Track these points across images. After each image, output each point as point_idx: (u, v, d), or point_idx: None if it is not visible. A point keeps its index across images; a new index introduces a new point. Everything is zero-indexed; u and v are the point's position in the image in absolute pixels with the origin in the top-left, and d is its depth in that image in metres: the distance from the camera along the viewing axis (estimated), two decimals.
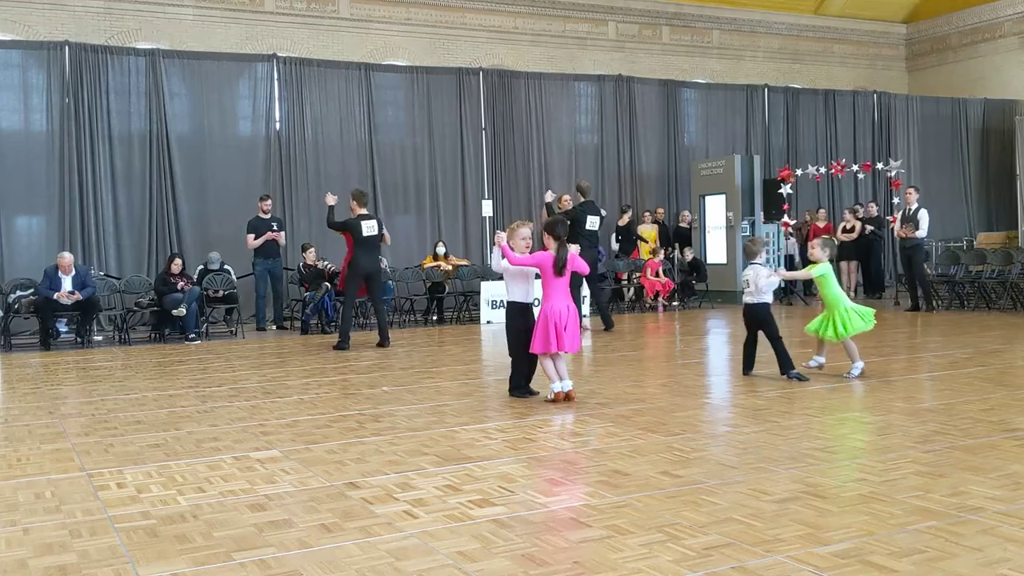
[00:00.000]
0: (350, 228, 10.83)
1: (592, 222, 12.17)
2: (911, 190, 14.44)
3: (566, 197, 12.69)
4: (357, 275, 10.92)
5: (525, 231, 6.83)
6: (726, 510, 3.82)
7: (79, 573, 3.27)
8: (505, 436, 5.47)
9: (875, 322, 7.62)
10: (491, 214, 16.57)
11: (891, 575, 3.05)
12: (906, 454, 4.74)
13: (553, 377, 6.58)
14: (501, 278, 7.18)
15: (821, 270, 7.62)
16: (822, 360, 7.68)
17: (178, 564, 3.33)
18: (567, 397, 6.56)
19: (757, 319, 7.55)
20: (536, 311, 6.71)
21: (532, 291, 6.99)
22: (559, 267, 6.56)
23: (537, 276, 6.86)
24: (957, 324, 11.79)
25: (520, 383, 6.90)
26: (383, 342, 10.86)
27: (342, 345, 10.69)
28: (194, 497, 4.25)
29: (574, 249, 7.46)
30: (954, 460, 4.58)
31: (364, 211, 10.93)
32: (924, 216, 13.95)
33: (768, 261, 7.63)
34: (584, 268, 6.98)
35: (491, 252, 6.84)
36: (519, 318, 6.85)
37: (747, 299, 7.59)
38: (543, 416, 6.11)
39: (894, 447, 4.90)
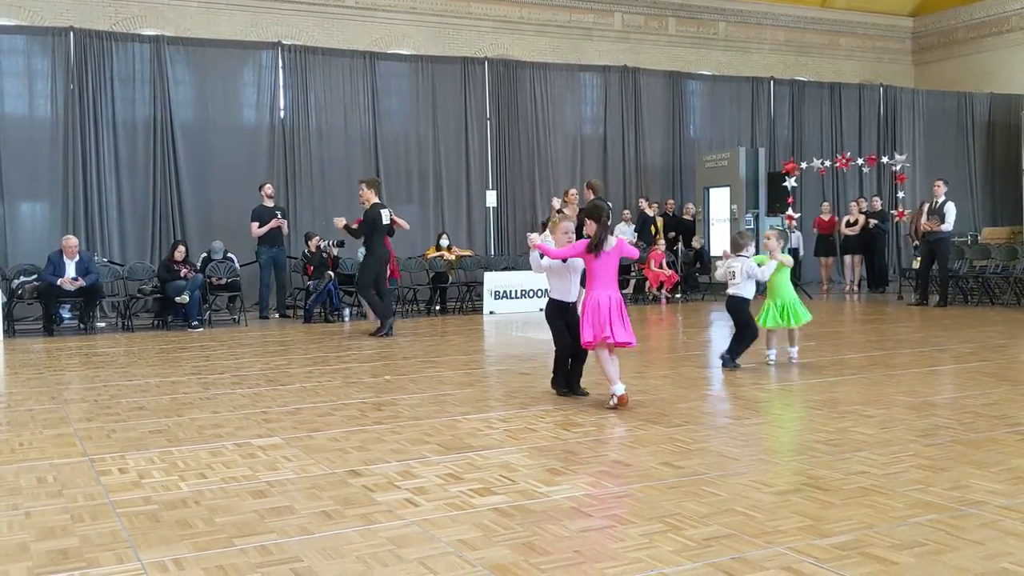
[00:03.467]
0: (369, 222, 10.80)
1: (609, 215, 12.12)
2: (939, 182, 14.18)
3: (572, 191, 12.55)
4: (378, 264, 10.97)
5: (568, 224, 6.48)
6: (727, 501, 3.82)
7: (81, 557, 3.27)
8: (507, 426, 5.47)
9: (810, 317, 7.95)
10: (495, 205, 16.57)
11: (892, 567, 3.05)
12: (908, 447, 4.73)
13: (613, 378, 5.96)
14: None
15: (789, 261, 7.88)
16: (775, 353, 7.89)
17: (179, 549, 3.33)
18: (620, 401, 5.94)
19: (737, 311, 7.70)
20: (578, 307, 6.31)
21: (574, 290, 6.48)
22: (594, 246, 6.03)
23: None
24: (960, 319, 11.77)
25: (560, 382, 6.55)
26: (382, 331, 10.80)
27: (383, 331, 10.71)
28: (196, 483, 4.26)
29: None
30: (956, 454, 4.58)
31: (377, 199, 10.92)
32: (951, 209, 13.69)
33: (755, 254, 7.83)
34: (634, 253, 6.58)
35: (532, 253, 6.47)
36: (558, 315, 6.47)
37: (731, 290, 7.72)
38: (545, 407, 6.11)
39: (896, 440, 4.90)
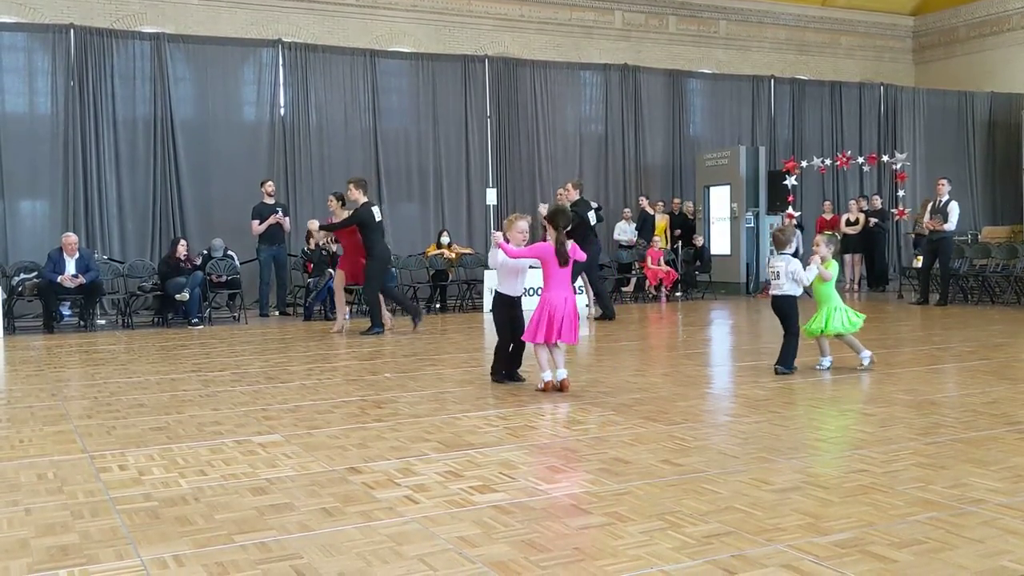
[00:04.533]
0: (361, 219, 10.73)
1: (591, 217, 12.05)
2: (943, 181, 14.13)
3: (569, 185, 12.44)
4: (384, 262, 11.02)
5: (523, 224, 6.80)
6: (727, 499, 3.82)
7: (80, 553, 3.27)
8: (507, 423, 5.47)
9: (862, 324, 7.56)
10: (495, 203, 16.56)
11: (891, 565, 3.05)
12: (908, 446, 4.73)
13: (544, 367, 6.51)
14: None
15: (835, 271, 7.49)
16: (831, 359, 7.53)
17: (179, 546, 3.33)
18: (561, 387, 6.49)
19: (783, 311, 7.27)
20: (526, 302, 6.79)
21: (521, 285, 7.00)
22: (562, 257, 6.53)
23: (532, 268, 6.90)
24: (960, 318, 11.77)
25: (500, 370, 7.00)
26: (417, 320, 11.15)
27: (418, 320, 11.03)
28: (196, 480, 4.26)
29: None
30: (956, 452, 4.58)
31: (366, 198, 10.89)
32: (954, 208, 13.61)
33: (797, 252, 7.32)
34: (582, 256, 6.88)
35: (489, 250, 6.87)
36: (505, 310, 6.92)
37: (774, 291, 7.32)
38: (545, 404, 6.11)
39: (896, 438, 4.90)
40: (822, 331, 7.31)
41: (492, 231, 7.18)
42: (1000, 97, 21.64)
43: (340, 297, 11.45)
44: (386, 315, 11.16)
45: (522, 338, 6.71)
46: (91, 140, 13.82)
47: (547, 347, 6.53)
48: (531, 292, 13.94)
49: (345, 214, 11.29)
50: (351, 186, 10.91)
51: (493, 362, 7.11)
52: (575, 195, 11.90)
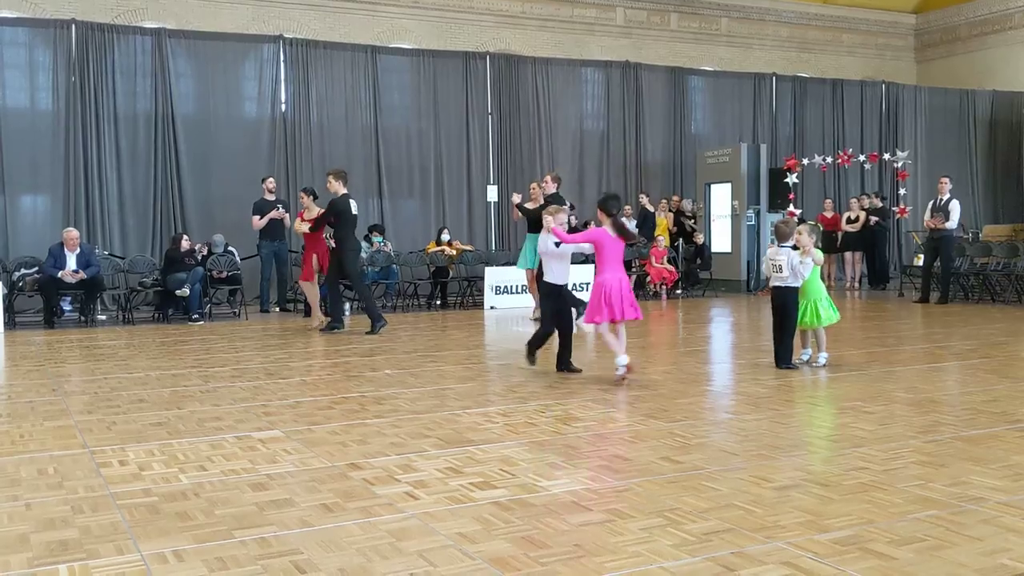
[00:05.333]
0: (339, 209, 10.51)
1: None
2: (944, 179, 14.11)
3: (548, 177, 12.25)
4: (357, 255, 10.90)
5: (562, 216, 7.25)
6: (727, 496, 3.82)
7: (81, 548, 3.28)
8: (507, 420, 5.47)
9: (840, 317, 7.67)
10: (496, 199, 16.55)
11: (891, 563, 3.05)
12: (908, 444, 4.73)
13: (617, 349, 6.70)
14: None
15: (820, 258, 7.56)
16: (811, 352, 7.57)
17: (179, 541, 3.34)
18: (628, 370, 6.71)
19: (785, 301, 7.31)
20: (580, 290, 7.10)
21: (568, 273, 7.34)
22: (627, 235, 6.89)
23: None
24: (961, 316, 11.77)
25: (534, 353, 7.33)
26: (376, 326, 10.50)
27: (380, 326, 10.43)
28: (196, 475, 4.26)
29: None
30: (956, 450, 4.58)
31: (345, 190, 10.62)
32: (955, 207, 13.60)
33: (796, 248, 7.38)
34: (632, 235, 7.33)
35: (540, 234, 7.33)
36: (552, 300, 7.27)
37: (776, 282, 7.36)
38: (545, 401, 6.11)
39: (896, 436, 4.90)
40: (810, 322, 7.38)
41: (545, 216, 7.35)
42: (1001, 95, 21.62)
43: (313, 293, 11.27)
44: (314, 312, 11.04)
45: (584, 322, 6.96)
46: (92, 135, 13.82)
47: (611, 330, 6.73)
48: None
49: (317, 209, 11.17)
50: (331, 177, 10.67)
51: (533, 344, 7.33)
52: (552, 188, 11.58)
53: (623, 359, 6.69)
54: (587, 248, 7.11)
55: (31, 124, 13.64)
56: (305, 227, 11.27)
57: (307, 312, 11.84)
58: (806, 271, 7.26)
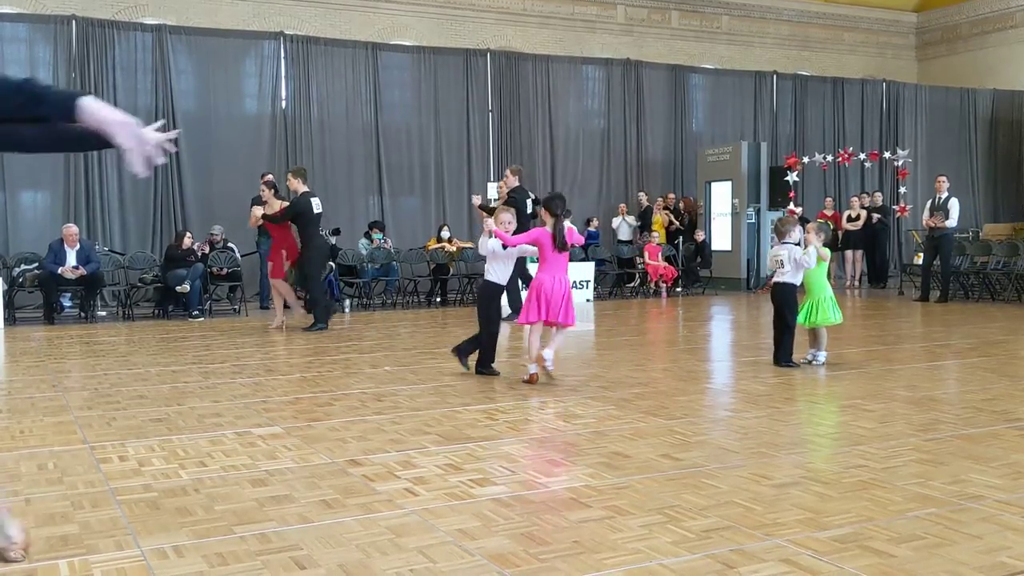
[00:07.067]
0: (298, 210, 10.29)
1: (528, 205, 11.83)
2: (942, 178, 14.11)
3: (508, 172, 12.14)
4: (323, 254, 10.73)
5: (507, 216, 6.95)
6: (726, 493, 3.83)
7: (81, 544, 3.28)
8: (507, 417, 5.48)
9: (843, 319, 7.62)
10: (496, 197, 16.53)
11: (890, 560, 3.05)
12: (907, 442, 4.73)
13: (532, 354, 6.58)
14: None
15: (828, 255, 7.56)
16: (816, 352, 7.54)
17: (179, 536, 3.34)
18: (536, 375, 6.59)
19: (784, 299, 7.32)
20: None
21: (510, 274, 7.20)
22: (560, 241, 6.59)
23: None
24: (961, 315, 11.77)
25: (466, 353, 7.13)
26: (317, 326, 10.33)
27: (318, 327, 10.27)
28: (195, 471, 4.27)
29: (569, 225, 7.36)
30: (955, 448, 4.58)
31: (306, 188, 10.47)
32: (955, 205, 13.60)
33: (799, 242, 7.40)
34: (580, 240, 7.01)
35: (479, 237, 7.07)
36: (491, 299, 7.11)
37: (777, 279, 7.37)
38: (545, 398, 6.11)
39: (895, 434, 4.90)
40: (809, 321, 7.36)
41: (484, 219, 7.33)
42: (1002, 94, 21.62)
43: (284, 289, 10.84)
44: (292, 306, 10.77)
45: (517, 320, 6.85)
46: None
47: (539, 331, 6.63)
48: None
49: (277, 203, 10.87)
50: (290, 176, 10.55)
51: (464, 343, 7.18)
52: (514, 181, 11.55)
53: (533, 367, 6.56)
54: (531, 249, 6.93)
55: None
56: (259, 212, 10.93)
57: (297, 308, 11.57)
58: (811, 260, 7.25)
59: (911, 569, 2.98)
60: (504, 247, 6.86)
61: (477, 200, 12.00)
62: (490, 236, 6.87)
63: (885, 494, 3.80)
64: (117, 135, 2.34)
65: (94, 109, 2.31)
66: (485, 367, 7.05)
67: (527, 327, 6.72)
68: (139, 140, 2.38)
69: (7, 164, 13.40)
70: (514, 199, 11.10)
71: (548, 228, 6.67)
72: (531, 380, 6.58)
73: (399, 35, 17.39)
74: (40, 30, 13.71)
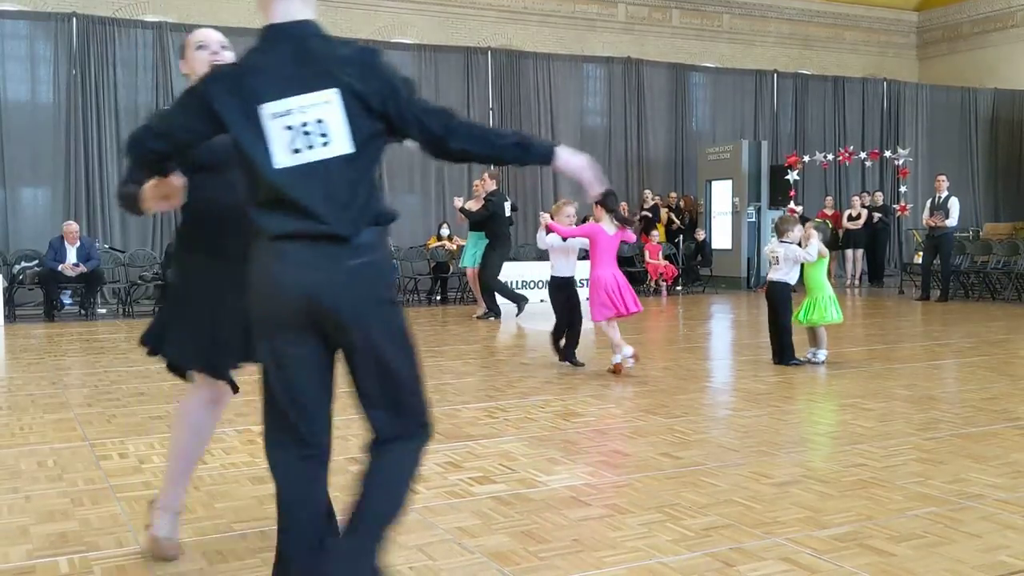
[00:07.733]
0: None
1: (507, 209, 11.70)
2: (941, 177, 14.11)
3: (485, 175, 12.16)
4: None
5: (570, 209, 7.30)
6: (726, 492, 3.83)
7: (80, 541, 3.28)
8: (507, 415, 5.48)
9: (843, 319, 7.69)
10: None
11: (890, 559, 3.05)
12: (907, 441, 4.74)
13: (618, 346, 6.85)
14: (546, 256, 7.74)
15: (826, 253, 7.57)
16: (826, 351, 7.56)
17: (179, 534, 3.33)
18: (626, 362, 6.90)
19: (778, 298, 7.34)
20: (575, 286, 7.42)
21: (575, 266, 7.48)
22: (627, 221, 7.06)
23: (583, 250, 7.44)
24: (961, 314, 11.77)
25: (558, 346, 7.39)
26: None
27: None
28: (196, 468, 4.26)
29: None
30: (955, 447, 4.58)
31: None
32: (955, 204, 13.58)
33: (799, 242, 7.41)
34: (632, 237, 7.46)
35: (538, 232, 7.39)
36: (560, 292, 7.37)
37: (771, 276, 7.44)
38: (545, 396, 6.12)
39: (895, 433, 4.90)
40: (807, 319, 7.36)
41: (540, 213, 7.53)
42: (1003, 93, 21.60)
43: None
44: None
45: (593, 319, 7.03)
46: (93, 129, 13.80)
47: (615, 323, 6.92)
48: (533, 285, 13.98)
49: None
50: None
51: (554, 337, 7.44)
52: (491, 185, 11.54)
53: (628, 350, 6.85)
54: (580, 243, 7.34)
55: (32, 117, 13.63)
56: None
57: None
58: (812, 253, 7.26)
59: (911, 568, 2.98)
60: (564, 239, 7.16)
61: (459, 203, 12.02)
62: (547, 232, 7.15)
63: (885, 493, 3.80)
64: (585, 179, 2.60)
65: (567, 158, 2.57)
66: (557, 347, 7.40)
67: (602, 324, 6.99)
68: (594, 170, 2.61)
69: (8, 161, 13.40)
70: (491, 202, 11.22)
71: (604, 224, 6.94)
72: (616, 370, 6.85)
73: (400, 33, 17.37)
74: (40, 27, 13.70)
